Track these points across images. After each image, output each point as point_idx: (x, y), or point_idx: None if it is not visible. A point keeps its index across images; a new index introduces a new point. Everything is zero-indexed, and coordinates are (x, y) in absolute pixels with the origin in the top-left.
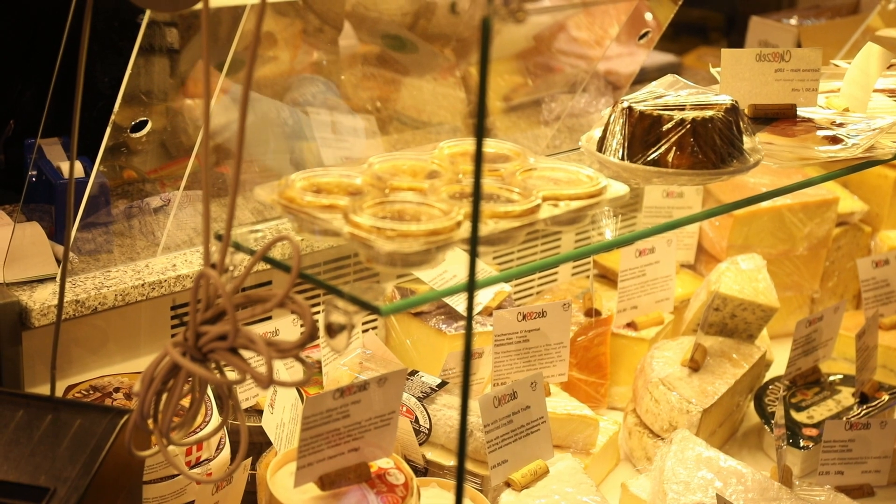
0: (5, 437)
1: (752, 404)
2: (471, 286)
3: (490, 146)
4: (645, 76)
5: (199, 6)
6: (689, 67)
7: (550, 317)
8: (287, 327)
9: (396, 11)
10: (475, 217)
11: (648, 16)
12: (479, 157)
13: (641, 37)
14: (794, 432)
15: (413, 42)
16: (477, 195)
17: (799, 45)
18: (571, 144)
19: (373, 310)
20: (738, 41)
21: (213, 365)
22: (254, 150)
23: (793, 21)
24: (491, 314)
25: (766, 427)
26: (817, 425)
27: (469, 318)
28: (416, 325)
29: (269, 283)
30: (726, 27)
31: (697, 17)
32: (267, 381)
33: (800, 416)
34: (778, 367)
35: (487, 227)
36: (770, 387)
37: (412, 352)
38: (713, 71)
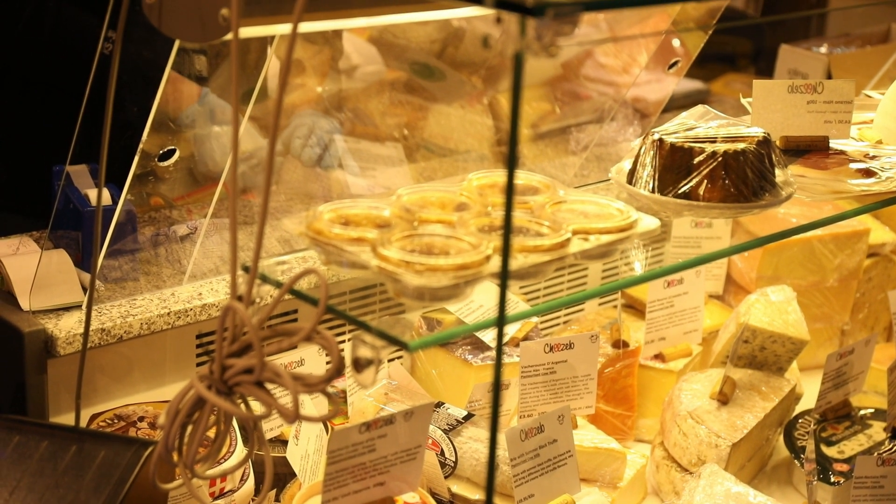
0: (30, 467)
1: (781, 438)
2: (500, 321)
3: (519, 178)
4: (672, 103)
5: (228, 36)
6: (716, 94)
7: (578, 348)
8: (312, 357)
9: (424, 39)
10: (505, 252)
11: (676, 42)
12: (510, 193)
13: (671, 66)
14: (824, 467)
15: (441, 70)
16: (507, 230)
17: (829, 74)
18: (599, 173)
19: (401, 345)
20: (765, 68)
21: (238, 398)
22: (280, 177)
23: (823, 49)
24: (517, 345)
25: (795, 462)
26: (848, 460)
27: (498, 353)
28: (441, 356)
29: (295, 311)
30: (754, 54)
31: (725, 43)
32: (293, 416)
33: (830, 451)
34: (808, 401)
35: (517, 262)
36: (800, 420)
37: (438, 382)
38: (744, 101)
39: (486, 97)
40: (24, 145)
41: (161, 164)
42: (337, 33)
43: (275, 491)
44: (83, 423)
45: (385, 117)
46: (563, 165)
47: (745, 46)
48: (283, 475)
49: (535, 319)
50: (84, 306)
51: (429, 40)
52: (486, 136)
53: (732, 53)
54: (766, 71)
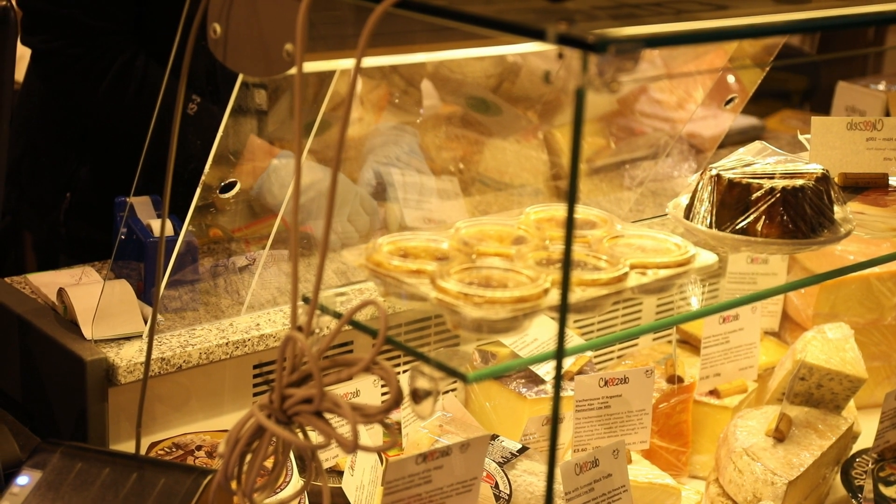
0: (92, 494)
1: (838, 477)
2: (559, 355)
3: (577, 212)
4: (727, 139)
5: (292, 71)
6: (772, 130)
7: (633, 383)
8: (368, 388)
9: (481, 74)
10: (565, 285)
11: (732, 79)
12: (570, 226)
13: (727, 102)
14: None
15: (497, 104)
16: (567, 263)
17: (887, 111)
18: (655, 208)
19: (459, 377)
20: (821, 105)
21: (296, 427)
22: (337, 210)
23: (881, 86)
24: (572, 379)
25: (853, 501)
26: None
27: (557, 387)
28: (495, 388)
29: (351, 342)
30: (810, 91)
31: (781, 80)
32: (352, 446)
33: (888, 491)
34: (866, 440)
35: (575, 295)
36: (857, 460)
37: (492, 415)
38: (801, 138)
39: (541, 132)
40: (92, 175)
41: (222, 196)
42: (394, 69)
43: None
44: (142, 452)
45: (441, 151)
46: (618, 200)
47: (802, 83)
48: None
49: (589, 353)
50: (145, 335)
51: (485, 75)
52: (541, 170)
53: (788, 90)
54: (823, 108)
